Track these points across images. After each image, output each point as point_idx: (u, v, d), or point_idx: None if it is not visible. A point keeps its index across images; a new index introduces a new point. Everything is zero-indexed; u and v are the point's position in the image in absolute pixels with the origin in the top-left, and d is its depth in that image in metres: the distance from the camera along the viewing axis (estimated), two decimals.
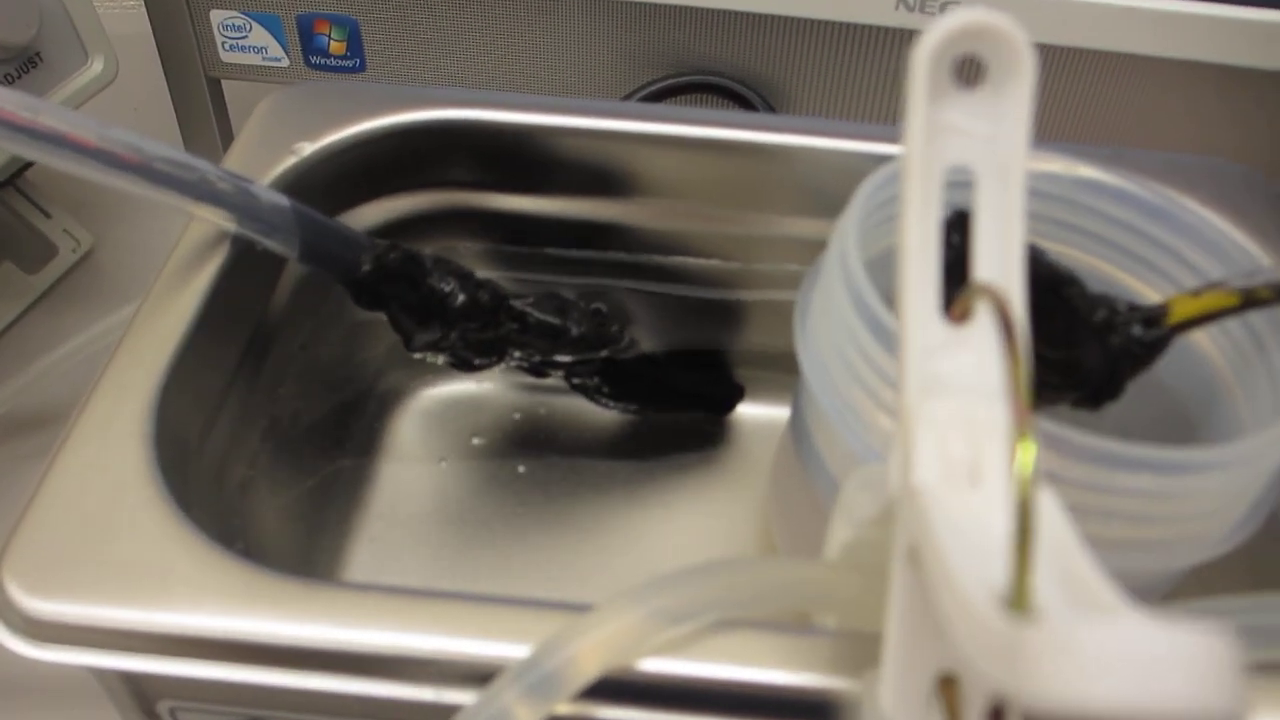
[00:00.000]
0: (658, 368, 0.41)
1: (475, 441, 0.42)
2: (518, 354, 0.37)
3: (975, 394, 0.19)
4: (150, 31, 0.51)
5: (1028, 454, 0.15)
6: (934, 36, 0.19)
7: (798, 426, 0.33)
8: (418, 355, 0.35)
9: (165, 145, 0.28)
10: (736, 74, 0.48)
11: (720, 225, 0.39)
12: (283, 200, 0.31)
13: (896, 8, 0.43)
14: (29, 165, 0.47)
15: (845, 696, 0.22)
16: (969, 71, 0.20)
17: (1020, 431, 0.15)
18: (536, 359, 0.37)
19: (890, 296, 0.26)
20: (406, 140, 0.37)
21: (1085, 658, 0.12)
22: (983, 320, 0.20)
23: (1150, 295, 0.31)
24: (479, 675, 0.22)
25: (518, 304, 0.35)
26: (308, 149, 0.35)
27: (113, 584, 0.24)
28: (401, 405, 0.43)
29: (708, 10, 0.46)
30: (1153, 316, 0.27)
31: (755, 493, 0.40)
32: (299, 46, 0.50)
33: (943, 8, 0.42)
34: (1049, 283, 0.27)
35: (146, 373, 0.28)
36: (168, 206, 0.29)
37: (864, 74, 0.47)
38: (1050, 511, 0.16)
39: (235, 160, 0.35)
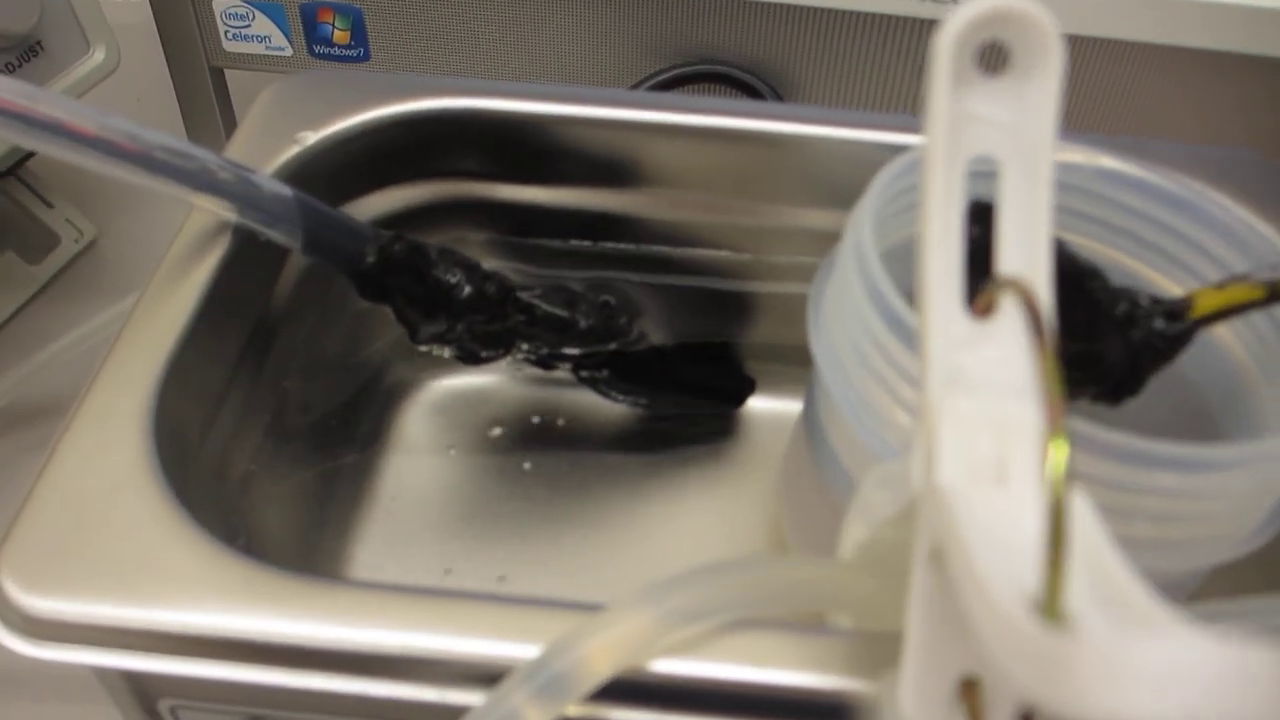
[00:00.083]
0: (667, 360, 0.41)
1: (482, 435, 0.42)
2: (525, 346, 0.36)
3: (1001, 390, 0.18)
4: (152, 20, 0.50)
5: (1060, 454, 0.14)
6: (958, 22, 0.19)
7: (810, 421, 0.32)
8: (423, 348, 0.34)
9: (165, 134, 0.28)
10: (745, 64, 0.48)
11: (731, 216, 0.39)
12: (285, 190, 0.30)
13: None
14: (31, 155, 0.46)
15: (862, 699, 0.22)
16: (993, 59, 0.20)
17: (1052, 430, 0.15)
18: (544, 351, 0.37)
19: (907, 289, 0.26)
20: (411, 129, 0.37)
21: (1138, 676, 0.11)
22: (1007, 314, 0.19)
23: (1172, 288, 0.31)
24: (486, 676, 0.22)
25: (525, 296, 0.35)
26: (311, 138, 0.35)
27: (112, 581, 0.23)
28: (407, 399, 0.42)
29: None
30: (1175, 310, 0.27)
31: (765, 488, 0.40)
32: (302, 35, 0.50)
33: None
34: (1071, 275, 0.26)
35: (146, 366, 0.27)
36: (171, 197, 0.28)
37: (873, 64, 0.47)
38: (1083, 514, 0.15)
39: (237, 149, 0.34)
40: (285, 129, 0.35)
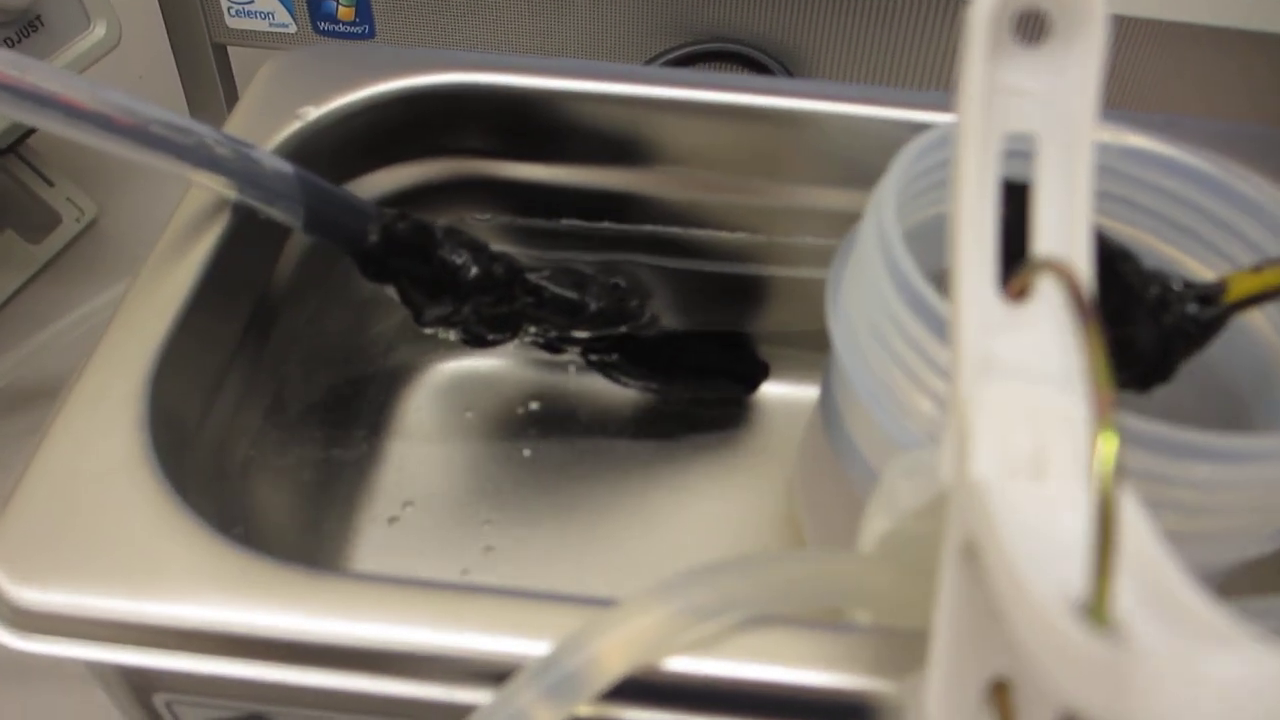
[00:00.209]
0: (679, 345, 0.40)
1: (489, 421, 0.41)
2: (533, 330, 0.36)
3: (1038, 378, 0.17)
4: None
5: (1110, 447, 0.13)
6: None
7: (827, 408, 0.31)
8: (429, 330, 0.34)
9: (162, 108, 0.27)
10: (757, 42, 0.47)
11: (745, 196, 0.38)
12: (286, 167, 0.29)
13: None
14: (31, 132, 0.46)
15: (885, 700, 0.21)
16: (1031, 28, 0.19)
17: (1101, 422, 0.14)
18: (553, 335, 0.36)
19: (930, 271, 0.25)
20: (416, 105, 0.36)
21: (1206, 692, 0.10)
22: (1044, 297, 0.18)
23: (1204, 272, 0.30)
24: (494, 674, 0.21)
25: (533, 277, 0.34)
26: (313, 114, 0.34)
27: (105, 572, 0.22)
28: (412, 382, 0.42)
29: None
30: (1209, 294, 0.26)
31: (780, 477, 0.39)
32: (306, 12, 0.50)
33: None
34: (1103, 257, 0.25)
35: (140, 349, 0.26)
36: (172, 174, 0.28)
37: (887, 42, 0.47)
38: (1133, 513, 0.14)
39: (237, 125, 0.34)
40: (286, 104, 0.34)
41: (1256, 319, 0.29)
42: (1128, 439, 0.22)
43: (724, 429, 0.41)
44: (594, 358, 0.39)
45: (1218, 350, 0.28)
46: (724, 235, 0.39)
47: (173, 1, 0.50)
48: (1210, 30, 0.43)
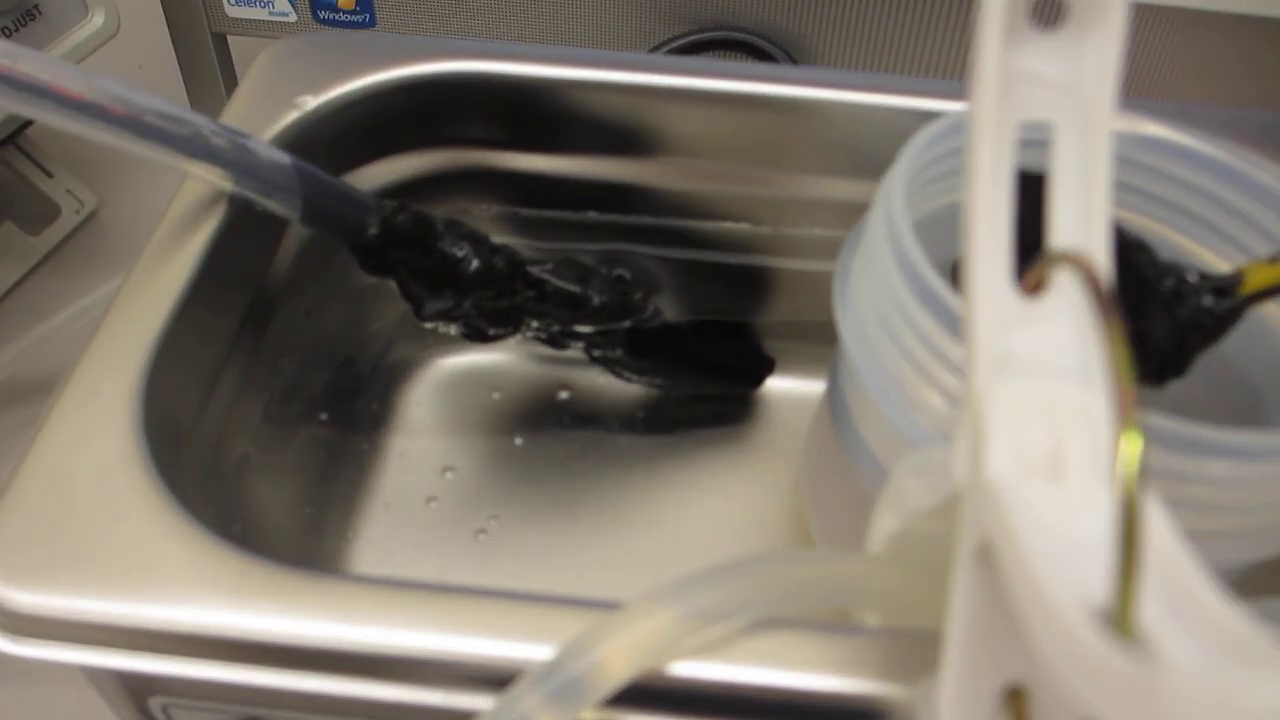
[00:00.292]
0: (682, 339, 0.40)
1: (490, 417, 0.41)
2: (535, 324, 0.35)
3: (1055, 374, 0.17)
4: None
5: (1134, 448, 0.13)
6: None
7: (835, 402, 0.31)
8: (429, 325, 0.33)
9: (157, 98, 0.26)
10: (760, 29, 0.47)
11: (751, 187, 0.38)
12: (283, 158, 0.29)
13: None
14: (30, 123, 0.46)
15: (896, 705, 0.21)
16: (1047, 11, 0.18)
17: (1123, 421, 0.13)
18: (555, 329, 0.36)
19: (940, 262, 0.24)
20: (416, 94, 0.36)
21: (1245, 717, 0.10)
22: (1061, 291, 0.18)
23: (1219, 264, 0.29)
24: (496, 678, 0.21)
25: (535, 271, 0.34)
26: (311, 103, 0.34)
27: (99, 575, 0.22)
28: (412, 378, 0.42)
29: None
30: (1225, 286, 0.26)
31: (786, 474, 0.39)
32: (307, 1, 0.49)
33: None
34: (1118, 249, 0.25)
35: (136, 344, 0.26)
36: (169, 166, 0.27)
37: (892, 28, 0.46)
38: (1158, 517, 0.14)
39: (234, 115, 0.33)
40: (284, 93, 0.34)
41: (1273, 311, 0.29)
42: (1149, 437, 0.21)
43: (729, 424, 0.41)
44: (597, 353, 0.39)
45: (1233, 343, 0.27)
46: (729, 226, 0.39)
47: None
48: (1210, 15, 0.42)
